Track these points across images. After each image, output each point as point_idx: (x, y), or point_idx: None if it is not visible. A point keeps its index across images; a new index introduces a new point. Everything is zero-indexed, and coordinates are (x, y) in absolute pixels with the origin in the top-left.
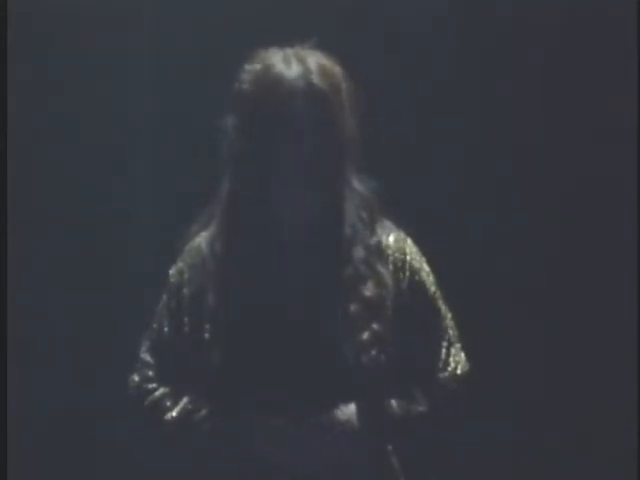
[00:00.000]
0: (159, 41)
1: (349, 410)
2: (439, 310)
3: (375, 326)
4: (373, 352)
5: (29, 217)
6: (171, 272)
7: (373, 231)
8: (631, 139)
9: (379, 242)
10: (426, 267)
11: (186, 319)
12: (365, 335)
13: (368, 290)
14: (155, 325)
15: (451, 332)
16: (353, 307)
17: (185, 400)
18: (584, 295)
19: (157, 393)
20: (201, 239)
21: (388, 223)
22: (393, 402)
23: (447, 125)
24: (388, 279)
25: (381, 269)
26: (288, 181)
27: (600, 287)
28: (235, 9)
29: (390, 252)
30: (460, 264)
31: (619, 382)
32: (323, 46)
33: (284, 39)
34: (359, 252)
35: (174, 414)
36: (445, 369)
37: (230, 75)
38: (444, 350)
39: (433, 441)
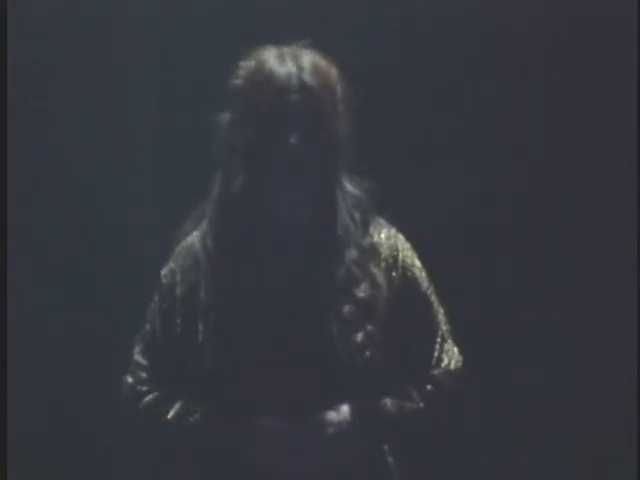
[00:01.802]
0: (157, 40)
1: (344, 410)
2: (431, 306)
3: (369, 327)
4: (367, 353)
5: (28, 217)
6: (163, 273)
7: (365, 231)
8: (631, 139)
9: (371, 241)
10: (418, 263)
11: (179, 320)
12: (359, 336)
13: (361, 291)
14: (148, 327)
15: (444, 328)
16: (347, 308)
17: (180, 402)
18: (583, 291)
19: (151, 396)
20: (193, 238)
21: (380, 220)
22: (388, 401)
23: (446, 124)
24: (381, 279)
25: (374, 269)
26: (278, 179)
27: (600, 286)
28: (236, 7)
29: (382, 249)
30: (457, 262)
31: (619, 381)
32: (321, 46)
33: (284, 38)
34: (352, 253)
35: (169, 417)
36: (438, 365)
37: (228, 72)
38: (437, 346)
39: (428, 438)
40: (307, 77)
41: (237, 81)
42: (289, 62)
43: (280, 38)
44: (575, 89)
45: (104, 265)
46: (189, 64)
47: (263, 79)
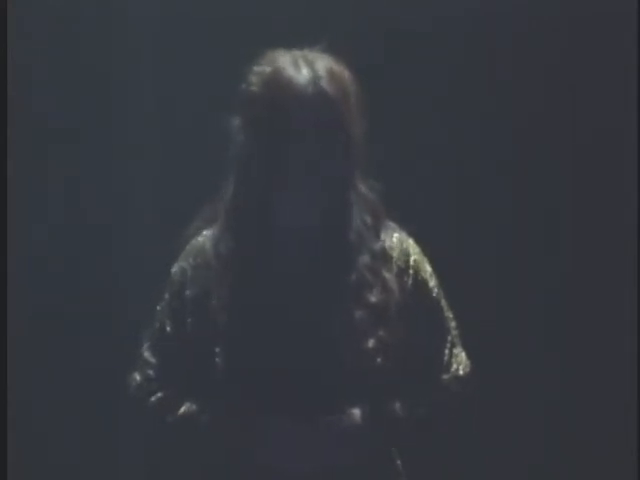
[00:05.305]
0: (157, 40)
1: (353, 413)
2: (442, 311)
3: (381, 332)
4: (379, 358)
5: (28, 216)
6: (173, 271)
7: (377, 235)
8: (631, 139)
9: (383, 246)
10: (428, 268)
11: (189, 319)
12: (371, 342)
13: (373, 296)
14: (157, 324)
15: (453, 333)
16: (358, 313)
17: (188, 401)
18: (584, 295)
19: (159, 394)
20: (204, 239)
21: (391, 224)
22: (397, 404)
23: (447, 125)
24: (393, 283)
25: (386, 274)
26: (292, 184)
27: (600, 287)
28: (237, 8)
29: (394, 254)
30: (456, 263)
31: (619, 382)
32: (321, 46)
33: (285, 38)
34: (364, 258)
35: (177, 416)
36: (447, 370)
37: (235, 73)
38: (447, 351)
39: (436, 442)
40: (324, 83)
41: (252, 87)
42: (305, 68)
43: (280, 38)
44: (575, 89)
45: (110, 262)
46: (189, 64)
47: (280, 87)
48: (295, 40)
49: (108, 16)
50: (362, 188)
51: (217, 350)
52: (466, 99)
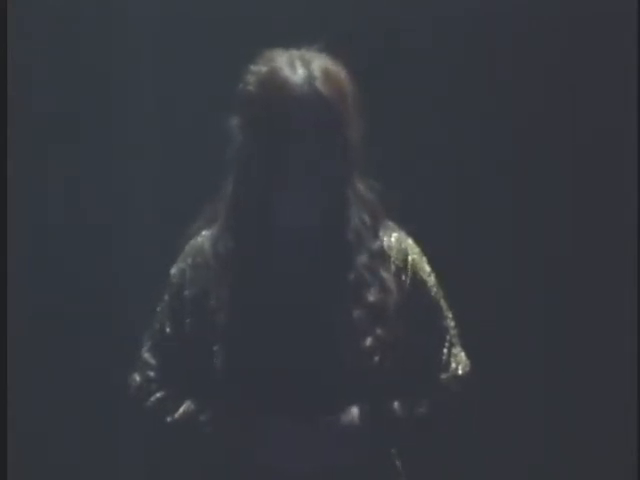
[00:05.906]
0: (157, 40)
1: (352, 413)
2: (440, 310)
3: (379, 331)
4: (377, 357)
5: (28, 216)
6: (172, 272)
7: (376, 235)
8: (631, 139)
9: (381, 245)
10: (427, 267)
11: (188, 320)
12: (369, 341)
13: (372, 295)
14: (157, 325)
15: (452, 332)
16: (357, 313)
17: (188, 402)
18: (584, 295)
19: (159, 395)
20: (203, 239)
21: (390, 224)
22: (395, 404)
23: (447, 125)
24: (391, 283)
25: (384, 274)
26: (292, 184)
27: (600, 287)
28: (236, 7)
29: (392, 253)
30: (461, 265)
31: (619, 382)
32: (321, 47)
33: (285, 38)
34: (362, 258)
35: (177, 416)
36: (447, 370)
37: (235, 73)
38: (445, 350)
39: (435, 442)
40: (319, 83)
41: (249, 87)
42: (301, 68)
43: (280, 38)
44: (575, 89)
45: (110, 262)
46: (189, 64)
47: (276, 87)
48: (295, 40)
49: (108, 16)
50: (361, 188)
51: (217, 350)
52: (466, 99)
